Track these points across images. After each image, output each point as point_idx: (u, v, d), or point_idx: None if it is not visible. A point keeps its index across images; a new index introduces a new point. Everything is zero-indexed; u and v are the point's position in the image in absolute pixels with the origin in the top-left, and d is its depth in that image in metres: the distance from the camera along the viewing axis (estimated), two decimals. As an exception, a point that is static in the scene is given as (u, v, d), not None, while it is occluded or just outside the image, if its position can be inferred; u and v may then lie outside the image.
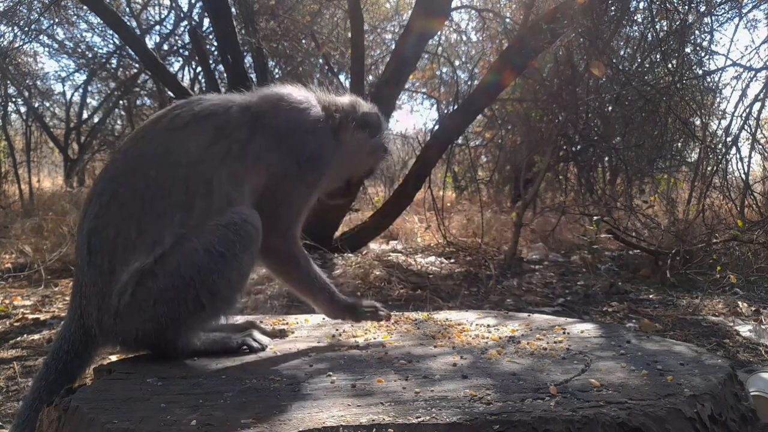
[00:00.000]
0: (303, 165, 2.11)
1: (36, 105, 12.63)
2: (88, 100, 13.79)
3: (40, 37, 11.04)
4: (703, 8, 5.71)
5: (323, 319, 2.43)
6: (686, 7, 5.59)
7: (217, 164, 1.94)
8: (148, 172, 1.87)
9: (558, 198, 10.71)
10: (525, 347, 2.00)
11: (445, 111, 10.89)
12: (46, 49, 12.17)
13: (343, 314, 2.24)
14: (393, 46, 9.65)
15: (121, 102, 13.40)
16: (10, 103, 12.34)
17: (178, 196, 1.86)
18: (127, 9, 11.56)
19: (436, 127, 9.11)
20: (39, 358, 3.90)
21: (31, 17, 9.36)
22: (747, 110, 6.14)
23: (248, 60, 9.14)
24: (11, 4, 8.60)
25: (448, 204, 10.34)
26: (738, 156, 6.49)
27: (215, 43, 9.00)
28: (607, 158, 9.72)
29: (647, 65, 6.41)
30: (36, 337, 4.43)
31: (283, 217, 2.12)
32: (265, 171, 2.06)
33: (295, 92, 2.22)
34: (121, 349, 1.94)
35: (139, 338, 1.86)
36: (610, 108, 7.87)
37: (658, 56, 6.05)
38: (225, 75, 8.75)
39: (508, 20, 9.18)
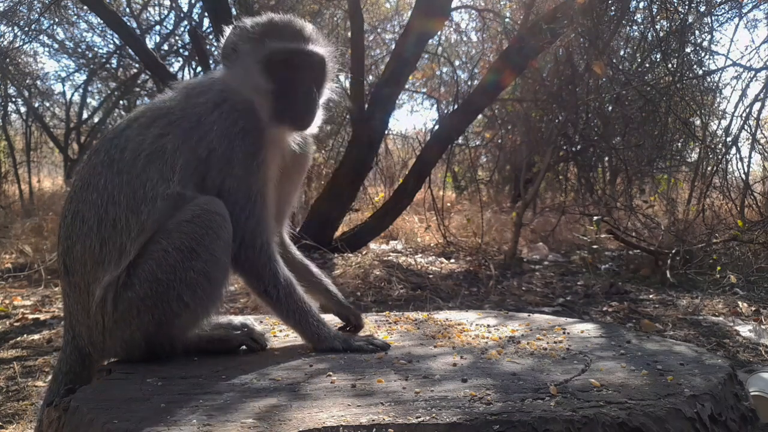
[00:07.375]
0: (219, 147, 1.93)
1: (36, 105, 12.62)
2: (88, 100, 13.80)
3: (40, 37, 11.07)
4: (703, 8, 5.72)
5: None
6: (686, 7, 5.59)
7: (146, 164, 1.89)
8: (99, 182, 1.89)
9: (558, 198, 10.71)
10: (525, 347, 1.99)
11: (445, 111, 10.89)
12: (46, 49, 12.21)
13: (331, 344, 1.97)
14: (393, 46, 9.64)
15: (121, 102, 13.39)
16: (10, 103, 12.36)
17: (126, 201, 1.86)
18: (127, 9, 11.56)
19: (436, 127, 9.10)
20: (39, 358, 3.90)
21: (31, 17, 9.38)
22: (747, 110, 6.15)
23: (248, 60, 9.13)
24: (11, 4, 8.61)
25: (448, 204, 10.33)
26: (738, 156, 6.51)
27: (215, 43, 9.00)
28: (607, 158, 9.72)
29: (647, 65, 6.41)
30: (36, 337, 4.43)
31: (238, 215, 1.92)
32: (187, 162, 1.91)
33: (206, 78, 2.13)
34: (119, 358, 1.94)
35: (131, 349, 1.86)
36: (610, 108, 7.87)
37: (658, 56, 6.06)
38: (225, 75, 8.72)
39: (508, 20, 9.18)
